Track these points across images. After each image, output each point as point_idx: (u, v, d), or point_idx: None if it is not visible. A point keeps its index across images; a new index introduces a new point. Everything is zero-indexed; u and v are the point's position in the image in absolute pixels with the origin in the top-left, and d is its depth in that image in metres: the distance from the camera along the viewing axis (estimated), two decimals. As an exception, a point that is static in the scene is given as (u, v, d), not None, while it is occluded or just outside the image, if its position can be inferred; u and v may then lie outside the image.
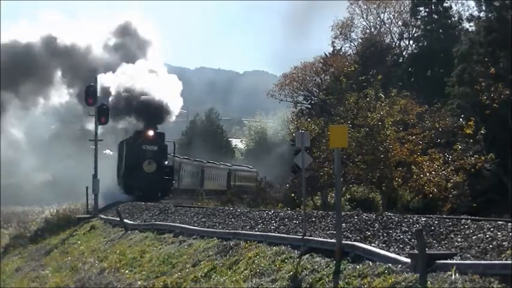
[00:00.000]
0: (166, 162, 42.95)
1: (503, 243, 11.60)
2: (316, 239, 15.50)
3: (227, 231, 20.10)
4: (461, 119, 33.34)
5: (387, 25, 58.05)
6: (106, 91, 43.60)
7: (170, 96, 45.90)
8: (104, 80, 43.62)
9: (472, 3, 45.98)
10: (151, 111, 43.38)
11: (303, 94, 58.83)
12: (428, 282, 10.69)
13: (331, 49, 56.88)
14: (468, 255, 11.68)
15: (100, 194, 38.75)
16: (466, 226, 13.11)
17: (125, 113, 44.66)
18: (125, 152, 43.26)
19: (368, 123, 30.52)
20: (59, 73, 51.36)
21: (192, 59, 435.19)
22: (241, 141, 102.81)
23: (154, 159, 41.74)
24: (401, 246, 13.38)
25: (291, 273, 14.16)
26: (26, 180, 52.48)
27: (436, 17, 54.06)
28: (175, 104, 46.69)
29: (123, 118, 45.43)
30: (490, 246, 11.72)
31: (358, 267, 12.71)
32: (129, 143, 43.23)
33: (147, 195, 39.32)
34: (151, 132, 42.52)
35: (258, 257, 16.20)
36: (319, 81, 57.31)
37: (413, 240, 13.19)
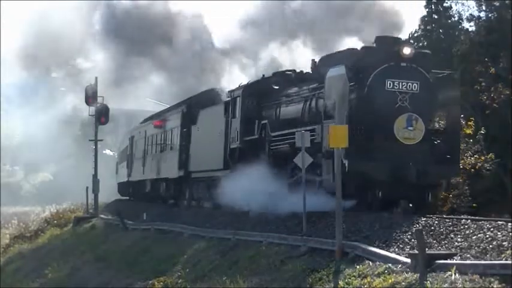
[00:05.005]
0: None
1: (503, 243, 11.59)
2: (316, 239, 15.49)
3: (227, 231, 20.09)
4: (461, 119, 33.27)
5: (387, 25, 57.98)
6: None
7: None
8: None
9: (472, 3, 45.74)
10: None
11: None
12: (428, 282, 10.69)
13: (331, 49, 56.86)
14: (468, 255, 11.67)
15: None
16: (466, 226, 13.10)
17: None
18: (349, 106, 16.30)
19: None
20: None
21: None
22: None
23: (419, 113, 17.96)
24: (401, 246, 13.37)
25: (291, 273, 14.16)
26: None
27: (436, 17, 54.00)
28: None
29: None
30: (490, 246, 11.71)
31: (358, 267, 12.71)
32: (352, 77, 17.00)
33: (399, 198, 17.30)
34: (407, 50, 18.13)
35: (258, 257, 16.19)
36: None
37: (413, 240, 13.18)
